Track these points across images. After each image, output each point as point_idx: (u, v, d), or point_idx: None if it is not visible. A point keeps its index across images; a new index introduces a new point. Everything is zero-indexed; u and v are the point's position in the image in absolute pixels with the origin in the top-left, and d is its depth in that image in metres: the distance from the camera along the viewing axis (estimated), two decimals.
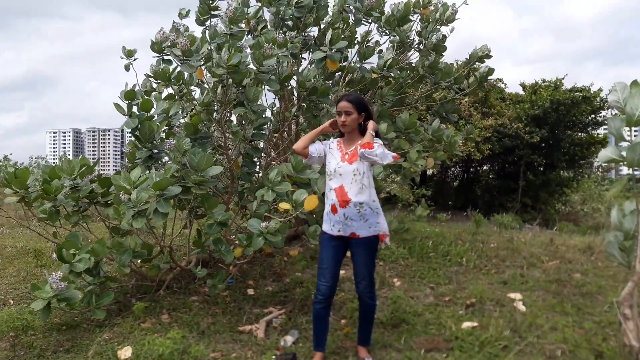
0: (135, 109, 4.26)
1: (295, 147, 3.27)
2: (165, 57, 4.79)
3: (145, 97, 4.39)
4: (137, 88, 4.48)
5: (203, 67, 4.31)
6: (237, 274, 4.77)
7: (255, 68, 4.10)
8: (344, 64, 5.16)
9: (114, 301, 4.09)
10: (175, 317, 3.86)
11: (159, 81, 4.87)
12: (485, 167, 15.26)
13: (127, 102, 4.28)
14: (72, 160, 4.15)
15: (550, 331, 3.67)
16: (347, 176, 3.08)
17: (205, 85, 4.87)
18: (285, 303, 4.25)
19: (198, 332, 3.63)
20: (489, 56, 5.77)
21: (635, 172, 2.33)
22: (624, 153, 2.19)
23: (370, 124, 3.12)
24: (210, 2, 4.29)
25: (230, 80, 4.13)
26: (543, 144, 13.32)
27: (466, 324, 3.76)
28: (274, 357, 3.25)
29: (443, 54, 5.59)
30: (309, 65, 5.28)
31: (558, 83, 13.74)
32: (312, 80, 4.70)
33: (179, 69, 4.46)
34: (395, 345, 3.48)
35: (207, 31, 4.22)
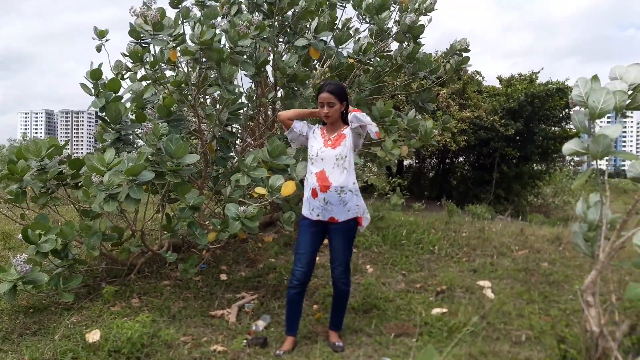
0: (102, 89, 4.16)
1: (281, 114, 3.31)
2: (143, 43, 4.68)
3: (113, 77, 4.30)
4: (106, 67, 4.37)
5: (177, 49, 4.23)
6: (210, 259, 4.74)
7: (230, 49, 4.05)
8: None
9: (83, 284, 4.03)
10: (146, 301, 3.83)
11: (135, 62, 4.76)
12: (461, 159, 15.43)
13: (93, 81, 4.19)
14: (40, 141, 4.05)
15: (517, 318, 3.75)
16: (329, 161, 3.12)
17: (179, 67, 4.78)
18: (258, 288, 4.26)
19: (169, 316, 3.61)
20: (467, 50, 5.81)
21: (600, 165, 2.39)
22: (588, 145, 2.24)
23: (352, 109, 3.18)
24: None
25: (203, 58, 4.06)
26: (517, 137, 13.50)
27: (436, 310, 3.83)
28: (245, 341, 3.26)
29: (421, 43, 5.60)
30: (288, 51, 5.24)
31: (533, 77, 13.92)
32: (293, 67, 4.67)
33: (150, 49, 4.37)
34: (365, 330, 3.52)
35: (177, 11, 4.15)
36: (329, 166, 3.11)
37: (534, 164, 14.58)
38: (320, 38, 4.74)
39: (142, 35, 4.19)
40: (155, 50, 4.45)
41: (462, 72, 5.96)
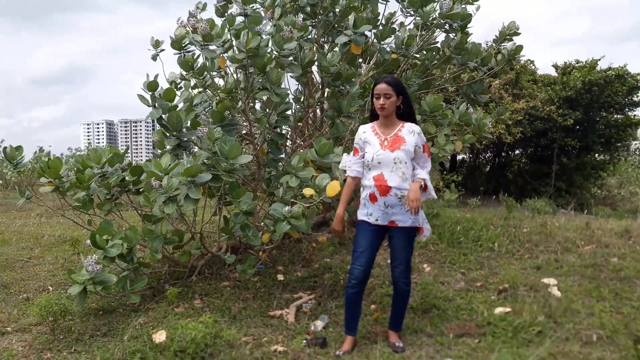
0: (158, 99, 4.31)
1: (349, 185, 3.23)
2: (187, 53, 4.81)
3: (168, 88, 4.43)
4: (162, 78, 4.52)
5: (224, 55, 4.32)
6: (267, 259, 4.80)
7: (276, 53, 4.09)
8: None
9: (148, 287, 4.19)
10: (207, 302, 3.92)
11: (188, 71, 4.90)
12: (517, 152, 14.93)
13: (150, 92, 4.33)
14: (100, 149, 4.24)
15: (587, 317, 3.58)
16: (387, 164, 3.02)
17: (228, 73, 4.88)
18: (315, 288, 4.27)
19: (230, 316, 3.68)
20: (517, 33, 5.57)
21: None
22: None
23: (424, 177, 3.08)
24: None
25: (251, 66, 4.12)
26: (577, 127, 12.91)
27: (499, 310, 3.71)
28: (304, 341, 3.28)
29: (469, 32, 5.44)
30: (331, 50, 5.23)
31: (593, 64, 13.26)
32: (337, 66, 4.65)
33: (200, 59, 4.48)
34: (426, 330, 3.45)
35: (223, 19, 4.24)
36: (387, 169, 3.02)
37: (596, 154, 13.91)
38: (360, 32, 4.68)
39: (184, 44, 4.33)
40: (205, 59, 4.54)
41: (515, 61, 5.72)
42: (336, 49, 4.86)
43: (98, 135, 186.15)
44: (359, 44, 4.70)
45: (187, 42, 4.39)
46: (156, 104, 4.25)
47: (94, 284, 3.48)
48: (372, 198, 3.04)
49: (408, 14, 5.35)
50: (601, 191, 14.72)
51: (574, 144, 12.80)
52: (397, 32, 5.24)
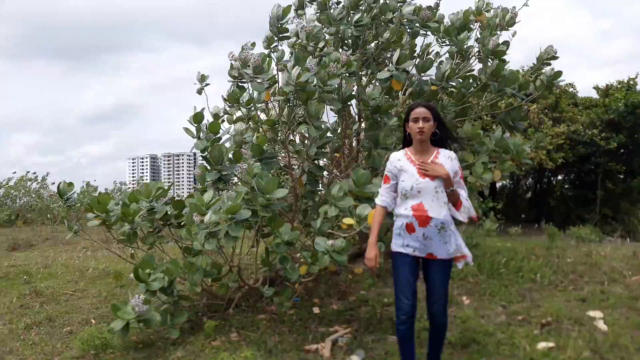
0: (204, 131, 4.48)
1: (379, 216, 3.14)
2: (240, 84, 4.99)
3: (213, 121, 4.61)
4: (206, 112, 4.70)
5: (270, 90, 4.48)
6: (303, 292, 4.82)
7: (319, 87, 4.19)
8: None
9: (187, 320, 4.26)
10: (244, 336, 3.95)
11: (232, 105, 5.08)
12: (559, 177, 14.53)
13: (195, 125, 4.50)
14: (150, 184, 4.41)
15: (636, 352, 3.42)
16: (428, 193, 2.89)
17: (270, 106, 5.04)
18: (351, 322, 4.24)
19: (266, 350, 3.70)
20: (555, 57, 5.48)
21: None
22: None
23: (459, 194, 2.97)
24: (279, 25, 4.47)
25: (295, 99, 4.25)
26: (622, 150, 12.51)
27: (542, 345, 3.58)
28: None
29: (506, 59, 5.42)
30: (370, 83, 5.32)
31: (631, 83, 12.88)
32: (376, 99, 4.70)
33: (247, 92, 4.64)
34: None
35: (273, 54, 4.42)
36: (428, 198, 2.88)
37: None
38: (402, 69, 4.74)
39: (238, 77, 4.49)
40: (251, 91, 4.70)
41: (554, 87, 5.62)
42: (376, 82, 4.94)
43: (142, 169, 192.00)
44: (400, 80, 4.74)
45: (237, 75, 4.58)
46: (201, 136, 4.42)
47: (138, 322, 3.58)
48: (410, 229, 2.91)
49: (443, 44, 5.40)
50: None
51: (619, 168, 12.37)
52: (435, 64, 5.28)
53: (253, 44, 5.28)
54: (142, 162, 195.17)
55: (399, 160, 3.03)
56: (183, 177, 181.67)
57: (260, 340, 3.85)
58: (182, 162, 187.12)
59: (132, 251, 4.67)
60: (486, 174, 4.89)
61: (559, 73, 5.50)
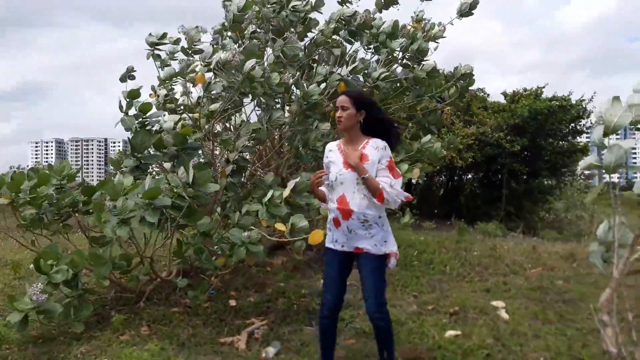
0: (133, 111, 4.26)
1: (320, 199, 3.05)
2: (156, 54, 4.77)
3: (146, 101, 4.40)
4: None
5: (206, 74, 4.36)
6: (219, 284, 4.71)
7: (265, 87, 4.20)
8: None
9: (93, 313, 4.01)
10: (155, 329, 3.79)
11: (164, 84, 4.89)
12: (469, 176, 15.35)
13: (128, 99, 4.24)
14: (59, 167, 4.12)
15: (533, 339, 3.68)
16: (349, 184, 2.79)
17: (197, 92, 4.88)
18: (267, 314, 4.21)
19: (178, 344, 3.57)
20: (470, 74, 5.77)
21: (613, 178, 2.35)
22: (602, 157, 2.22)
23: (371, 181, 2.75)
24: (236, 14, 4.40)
25: (240, 88, 4.15)
26: (525, 152, 13.44)
27: (449, 333, 3.76)
28: None
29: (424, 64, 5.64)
30: (309, 79, 5.32)
31: (538, 92, 13.90)
32: (317, 97, 4.68)
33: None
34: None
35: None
36: (349, 190, 2.79)
37: (544, 179, 14.47)
38: (354, 77, 4.84)
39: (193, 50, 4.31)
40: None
41: (467, 94, 5.98)
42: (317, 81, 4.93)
43: (47, 154, 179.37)
44: (352, 86, 4.83)
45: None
46: (129, 113, 4.18)
47: (37, 313, 3.31)
48: (336, 223, 2.84)
49: (369, 50, 5.56)
50: (549, 215, 15.29)
51: (522, 169, 13.29)
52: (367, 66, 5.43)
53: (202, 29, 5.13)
54: (47, 146, 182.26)
55: (331, 150, 2.97)
56: (93, 164, 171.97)
57: (173, 333, 3.71)
58: (92, 148, 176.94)
59: (34, 238, 4.31)
60: (408, 172, 5.08)
61: (472, 81, 5.82)
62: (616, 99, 2.27)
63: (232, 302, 4.43)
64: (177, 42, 4.70)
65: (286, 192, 3.91)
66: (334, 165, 2.90)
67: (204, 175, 3.54)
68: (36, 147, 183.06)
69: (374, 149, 2.83)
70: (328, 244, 2.93)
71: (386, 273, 2.90)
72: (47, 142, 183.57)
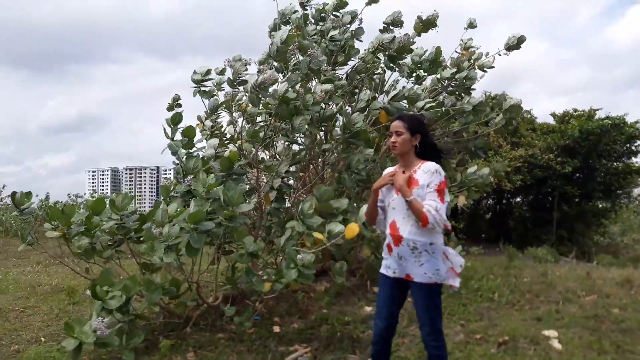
0: (179, 136, 4.43)
1: (368, 219, 3.07)
2: (202, 89, 4.95)
3: (190, 125, 4.58)
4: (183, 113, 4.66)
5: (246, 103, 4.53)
6: (264, 310, 4.75)
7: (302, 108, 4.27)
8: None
9: (143, 339, 4.12)
10: (201, 355, 3.86)
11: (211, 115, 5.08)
12: (518, 199, 14.93)
13: (172, 126, 4.42)
14: (122, 195, 4.30)
15: None
16: (400, 210, 2.79)
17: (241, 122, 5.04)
18: (311, 341, 4.20)
19: None
20: (520, 108, 5.70)
21: None
22: None
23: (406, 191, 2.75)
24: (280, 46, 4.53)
25: (277, 114, 4.27)
26: (577, 174, 13.00)
27: None
28: None
29: (471, 95, 5.65)
30: (353, 108, 5.41)
31: (591, 113, 13.46)
32: (358, 125, 4.75)
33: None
34: None
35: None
36: (400, 215, 2.78)
37: (597, 202, 13.90)
38: (395, 105, 4.89)
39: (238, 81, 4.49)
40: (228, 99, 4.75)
41: (515, 122, 5.91)
42: (355, 107, 5.01)
43: (102, 182, 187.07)
44: (390, 113, 4.84)
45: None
46: (175, 138, 4.36)
47: (96, 345, 3.43)
48: (389, 248, 2.84)
49: (410, 80, 5.61)
50: (603, 239, 14.64)
51: (574, 191, 12.83)
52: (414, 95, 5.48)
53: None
54: (103, 174, 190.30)
55: (389, 174, 2.93)
56: (145, 191, 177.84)
57: (218, 359, 3.76)
58: (145, 176, 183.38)
59: (88, 266, 4.50)
60: (454, 199, 5.08)
61: (520, 113, 5.75)
62: None
63: (276, 329, 4.45)
64: (222, 72, 4.87)
65: (312, 201, 3.99)
66: (388, 190, 2.90)
67: (234, 195, 3.62)
68: (93, 175, 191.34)
69: (424, 172, 2.78)
70: (382, 270, 2.93)
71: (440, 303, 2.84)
72: (103, 171, 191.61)
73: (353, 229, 3.61)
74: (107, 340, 3.46)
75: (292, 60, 5.20)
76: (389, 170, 2.98)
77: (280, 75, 4.98)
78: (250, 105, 4.57)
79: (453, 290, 2.92)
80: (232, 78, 4.51)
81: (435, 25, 5.80)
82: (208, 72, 4.79)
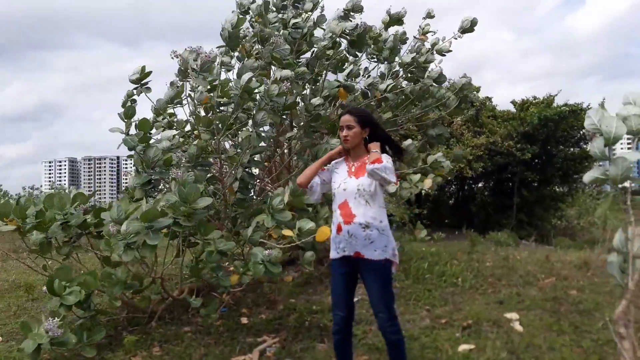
0: (133, 128, 4.28)
1: (301, 181, 3.11)
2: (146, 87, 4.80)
3: (144, 118, 4.41)
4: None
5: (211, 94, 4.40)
6: (231, 302, 4.71)
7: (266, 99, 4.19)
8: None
9: (105, 335, 4.02)
10: (167, 349, 3.80)
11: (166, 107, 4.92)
12: (479, 185, 15.27)
13: (126, 120, 4.28)
14: (65, 194, 4.14)
15: (548, 351, 3.62)
16: (351, 192, 2.90)
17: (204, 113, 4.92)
18: (279, 331, 4.19)
19: None
20: (470, 85, 5.80)
21: (626, 187, 2.33)
22: (608, 171, 2.20)
23: (372, 145, 2.93)
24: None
25: (240, 104, 4.18)
26: (536, 160, 13.38)
27: (463, 347, 3.71)
28: None
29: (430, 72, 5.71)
30: (313, 93, 5.37)
31: (550, 100, 13.83)
32: (319, 107, 4.72)
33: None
34: None
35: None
36: (351, 197, 2.88)
37: (555, 187, 14.36)
38: (353, 82, 4.87)
39: (188, 72, 4.32)
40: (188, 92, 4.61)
41: (469, 100, 6.02)
42: (315, 91, 4.98)
43: (60, 173, 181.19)
44: (350, 90, 4.84)
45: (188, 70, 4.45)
46: (130, 132, 4.22)
47: (52, 344, 3.32)
48: (339, 229, 2.90)
49: (372, 60, 5.60)
50: (561, 222, 15.15)
51: (534, 177, 13.21)
52: (380, 77, 5.49)
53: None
54: (60, 165, 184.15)
55: (338, 162, 3.12)
56: (105, 182, 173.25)
57: (185, 353, 3.71)
58: (105, 166, 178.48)
59: (46, 262, 4.35)
60: (420, 183, 5.15)
61: (471, 88, 5.88)
62: (602, 106, 2.26)
63: (244, 320, 4.42)
64: (143, 72, 4.66)
65: (286, 197, 3.95)
66: (337, 175, 3.04)
67: (192, 191, 3.54)
68: (50, 166, 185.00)
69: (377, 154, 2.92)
70: (331, 254, 2.98)
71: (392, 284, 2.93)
72: (60, 161, 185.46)
73: (325, 232, 3.58)
74: (63, 339, 3.36)
75: (253, 49, 5.12)
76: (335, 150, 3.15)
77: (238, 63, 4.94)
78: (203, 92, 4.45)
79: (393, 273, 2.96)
80: (182, 68, 4.39)
81: (402, 22, 5.88)
82: (144, 69, 4.65)
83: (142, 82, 4.61)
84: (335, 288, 2.98)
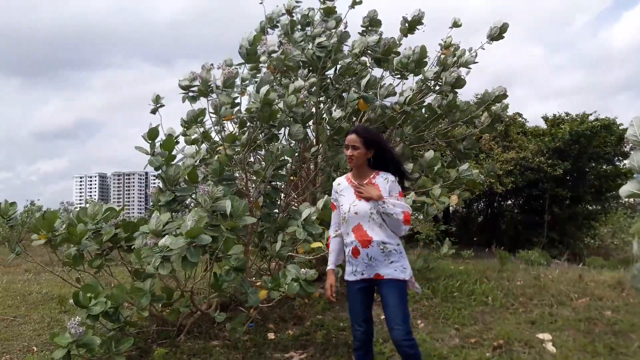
0: (158, 148, 4.37)
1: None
2: (191, 95, 4.89)
3: (169, 135, 4.51)
4: (160, 128, 4.60)
5: (233, 111, 4.49)
6: (258, 317, 4.71)
7: (285, 110, 4.23)
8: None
9: (135, 347, 4.07)
10: None
11: (190, 125, 5.01)
12: (509, 202, 15.03)
13: (150, 141, 4.38)
14: (97, 205, 4.24)
15: None
16: (364, 215, 2.86)
17: (231, 128, 5.01)
18: (306, 347, 4.17)
19: None
20: (505, 96, 5.72)
21: None
22: None
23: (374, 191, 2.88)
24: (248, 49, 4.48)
25: (260, 117, 4.23)
26: (567, 177, 13.12)
27: None
28: None
29: (458, 92, 5.65)
30: (333, 106, 5.41)
31: (584, 117, 13.55)
32: (341, 120, 4.76)
33: (206, 111, 4.61)
34: None
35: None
36: (365, 220, 2.86)
37: (588, 204, 14.03)
38: (371, 92, 4.89)
39: (210, 89, 4.40)
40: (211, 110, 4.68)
41: (501, 121, 5.90)
42: (337, 107, 5.01)
43: (90, 188, 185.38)
44: (369, 101, 4.87)
45: (210, 86, 4.52)
46: (155, 153, 4.31)
47: (77, 347, 3.38)
48: (355, 252, 2.88)
49: (397, 77, 5.60)
50: (594, 241, 14.75)
51: (565, 194, 12.94)
52: (401, 94, 5.48)
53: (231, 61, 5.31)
54: (91, 180, 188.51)
55: (339, 184, 3.08)
56: (134, 198, 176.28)
57: None
58: (133, 182, 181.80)
59: (79, 275, 4.45)
60: (444, 198, 5.06)
61: (506, 106, 5.76)
62: None
63: (271, 335, 4.42)
64: (186, 87, 4.77)
65: (319, 208, 3.98)
66: (345, 198, 2.99)
67: (240, 206, 3.59)
68: (80, 181, 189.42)
69: (384, 180, 2.94)
70: (348, 277, 2.98)
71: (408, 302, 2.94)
72: (90, 177, 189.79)
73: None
74: (86, 340, 3.40)
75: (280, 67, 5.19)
76: (339, 179, 3.12)
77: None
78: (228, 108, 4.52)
79: (416, 290, 3.03)
80: (202, 89, 4.45)
81: (422, 23, 5.76)
82: (194, 77, 4.75)
83: (190, 88, 4.72)
84: (352, 304, 2.98)
